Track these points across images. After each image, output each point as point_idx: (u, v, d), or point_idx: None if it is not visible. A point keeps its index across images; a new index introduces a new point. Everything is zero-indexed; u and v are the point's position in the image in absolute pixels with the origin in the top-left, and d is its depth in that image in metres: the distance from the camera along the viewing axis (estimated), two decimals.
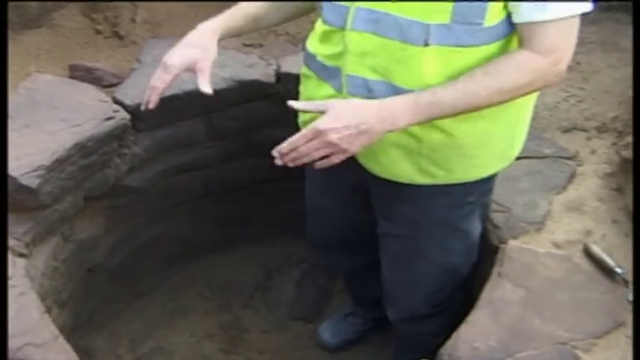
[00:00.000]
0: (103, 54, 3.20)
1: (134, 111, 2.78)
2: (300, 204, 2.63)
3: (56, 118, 2.64)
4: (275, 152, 1.77)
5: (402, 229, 2.24)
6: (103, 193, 2.89)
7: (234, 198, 3.50)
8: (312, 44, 2.03)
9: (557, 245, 2.42)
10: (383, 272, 2.48)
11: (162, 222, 3.36)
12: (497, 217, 2.48)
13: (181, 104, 2.87)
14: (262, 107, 3.05)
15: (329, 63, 1.94)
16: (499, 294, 2.25)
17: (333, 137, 1.69)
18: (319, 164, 1.78)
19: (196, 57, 1.99)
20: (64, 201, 2.66)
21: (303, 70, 2.14)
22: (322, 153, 1.74)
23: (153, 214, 3.27)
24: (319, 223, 2.61)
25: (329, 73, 1.93)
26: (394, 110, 1.73)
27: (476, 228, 2.30)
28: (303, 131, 1.73)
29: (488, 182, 2.16)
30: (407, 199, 2.13)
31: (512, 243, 2.42)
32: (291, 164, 1.78)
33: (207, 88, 1.98)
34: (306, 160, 1.75)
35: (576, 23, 1.72)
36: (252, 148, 3.25)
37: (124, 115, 2.77)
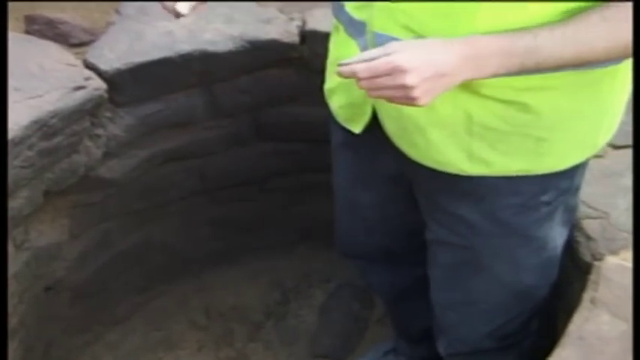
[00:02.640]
0: (71, 2, 3.22)
1: (112, 78, 2.80)
2: (327, 204, 2.65)
3: (9, 87, 2.64)
4: (347, 69, 1.71)
5: (456, 236, 2.23)
6: (69, 187, 2.91)
7: (241, 196, 3.55)
8: None
9: None
10: (432, 292, 2.50)
11: (145, 226, 3.40)
12: (590, 225, 2.46)
13: (174, 71, 2.91)
14: (281, 76, 3.07)
15: (357, 15, 1.94)
16: (592, 327, 2.21)
17: (411, 80, 1.66)
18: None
19: None
20: (18, 197, 2.68)
21: (334, 22, 2.15)
22: (391, 93, 1.70)
23: (133, 215, 3.31)
24: (353, 226, 2.62)
25: (356, 29, 1.94)
26: (481, 52, 1.70)
27: (556, 237, 2.27)
28: (381, 60, 1.68)
29: (571, 177, 2.13)
30: (461, 195, 2.13)
31: (610, 260, 2.39)
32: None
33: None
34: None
35: None
36: (266, 130, 3.30)
37: (98, 84, 2.78)
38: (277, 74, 3.07)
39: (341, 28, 2.07)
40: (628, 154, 2.62)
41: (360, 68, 1.68)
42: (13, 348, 2.82)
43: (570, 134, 1.99)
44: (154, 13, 2.99)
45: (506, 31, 1.70)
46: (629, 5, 1.66)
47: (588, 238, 2.44)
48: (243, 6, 3.04)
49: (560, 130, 1.95)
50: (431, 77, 1.66)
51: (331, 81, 2.20)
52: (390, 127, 2.04)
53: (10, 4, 3.17)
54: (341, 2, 2.01)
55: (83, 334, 3.44)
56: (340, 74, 1.73)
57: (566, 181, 2.12)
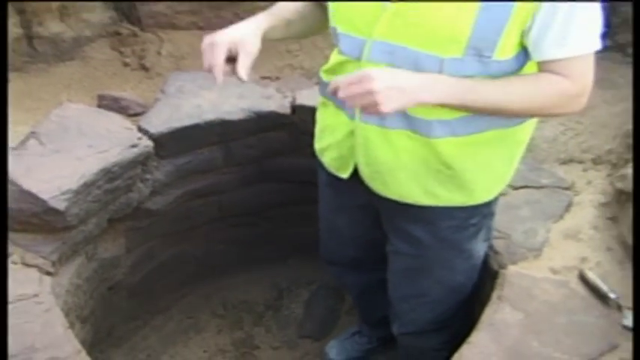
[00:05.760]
0: (130, 84, 3.25)
1: (157, 139, 2.81)
2: (310, 228, 2.64)
3: (84, 144, 2.67)
4: (332, 84, 1.70)
5: (410, 248, 2.25)
6: (126, 215, 2.90)
7: (248, 221, 3.51)
8: (328, 74, 2.05)
9: (554, 271, 2.43)
10: (390, 288, 2.49)
11: (179, 243, 3.36)
12: (498, 244, 2.49)
13: (201, 133, 2.91)
14: (277, 137, 3.07)
15: None
16: (499, 317, 2.25)
17: (376, 86, 1.62)
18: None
19: (244, 39, 1.84)
20: (89, 222, 2.68)
21: (321, 99, 2.16)
22: (360, 101, 1.65)
23: (171, 235, 3.28)
24: (332, 241, 2.62)
25: (344, 102, 1.91)
26: (436, 83, 1.71)
27: (479, 249, 2.30)
28: (354, 74, 1.67)
29: (489, 206, 2.17)
30: (415, 220, 2.15)
31: (512, 268, 2.43)
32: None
33: (244, 74, 1.82)
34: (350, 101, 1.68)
35: (592, 58, 1.73)
36: (266, 174, 3.28)
37: (147, 143, 2.79)
38: (275, 135, 3.07)
39: (329, 103, 2.08)
40: (524, 193, 2.66)
41: (340, 79, 1.67)
42: (86, 330, 2.80)
43: (490, 177, 2.04)
44: (188, 92, 3.00)
45: None
46: (543, 75, 1.73)
47: (496, 252, 2.48)
48: (251, 86, 3.03)
49: (482, 174, 2.01)
50: (393, 87, 1.64)
51: (323, 142, 2.18)
52: (366, 172, 2.05)
53: (88, 86, 3.21)
54: (328, 83, 1.98)
55: (135, 320, 3.42)
56: (332, 89, 1.70)
57: (487, 208, 2.16)
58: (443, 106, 1.75)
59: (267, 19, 1.97)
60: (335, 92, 1.69)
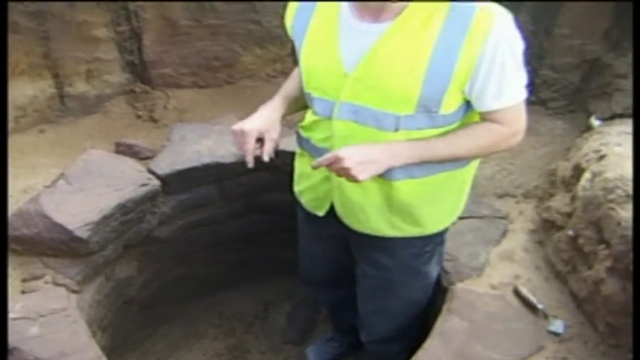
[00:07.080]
0: (141, 133, 3.24)
1: (164, 178, 2.82)
2: (291, 251, 2.62)
3: (103, 184, 2.68)
4: (316, 164, 1.81)
5: (376, 272, 2.26)
6: (138, 242, 2.90)
7: (239, 246, 3.49)
8: (305, 130, 2.08)
9: (493, 287, 2.46)
10: (358, 304, 2.49)
11: (182, 265, 3.35)
12: (447, 265, 2.52)
13: (200, 174, 2.91)
14: (263, 176, 3.06)
15: (320, 145, 1.98)
16: (448, 325, 2.27)
17: (347, 164, 1.71)
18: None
19: (269, 127, 1.96)
20: (108, 249, 2.68)
21: (298, 150, 2.18)
22: (340, 174, 1.76)
23: (175, 258, 3.27)
24: (309, 264, 2.62)
25: (320, 153, 1.95)
26: (397, 149, 1.77)
27: (433, 271, 2.32)
28: (328, 155, 1.76)
29: (441, 235, 2.19)
30: (380, 249, 2.16)
31: (459, 285, 2.45)
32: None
33: (267, 157, 1.95)
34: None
35: (523, 105, 1.81)
36: (255, 207, 3.27)
37: (155, 182, 2.80)
38: (261, 175, 3.06)
39: (305, 153, 2.10)
40: (468, 222, 2.68)
41: (321, 160, 1.76)
42: (106, 338, 2.79)
43: (441, 211, 2.06)
44: (190, 140, 3.01)
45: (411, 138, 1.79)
46: (482, 125, 1.80)
47: (446, 272, 2.50)
48: None
49: (435, 209, 2.03)
50: (362, 162, 1.72)
51: (301, 185, 2.21)
52: (342, 210, 2.07)
53: (107, 135, 3.21)
54: (307, 137, 2.05)
55: (146, 329, 3.40)
56: (315, 167, 1.81)
57: (439, 237, 2.18)
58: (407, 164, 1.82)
59: (282, 103, 2.06)
60: (318, 167, 1.81)
